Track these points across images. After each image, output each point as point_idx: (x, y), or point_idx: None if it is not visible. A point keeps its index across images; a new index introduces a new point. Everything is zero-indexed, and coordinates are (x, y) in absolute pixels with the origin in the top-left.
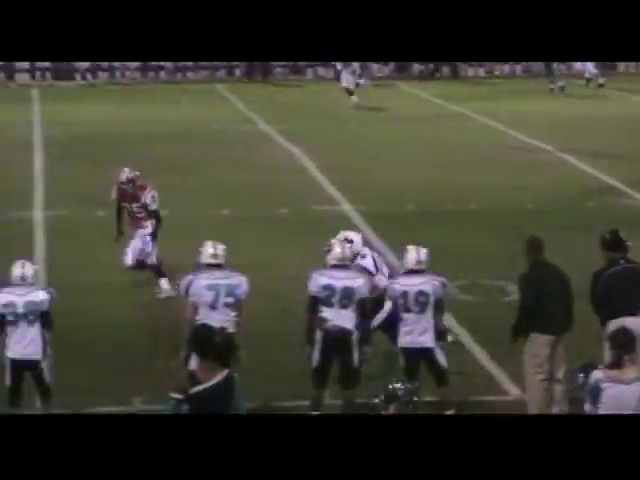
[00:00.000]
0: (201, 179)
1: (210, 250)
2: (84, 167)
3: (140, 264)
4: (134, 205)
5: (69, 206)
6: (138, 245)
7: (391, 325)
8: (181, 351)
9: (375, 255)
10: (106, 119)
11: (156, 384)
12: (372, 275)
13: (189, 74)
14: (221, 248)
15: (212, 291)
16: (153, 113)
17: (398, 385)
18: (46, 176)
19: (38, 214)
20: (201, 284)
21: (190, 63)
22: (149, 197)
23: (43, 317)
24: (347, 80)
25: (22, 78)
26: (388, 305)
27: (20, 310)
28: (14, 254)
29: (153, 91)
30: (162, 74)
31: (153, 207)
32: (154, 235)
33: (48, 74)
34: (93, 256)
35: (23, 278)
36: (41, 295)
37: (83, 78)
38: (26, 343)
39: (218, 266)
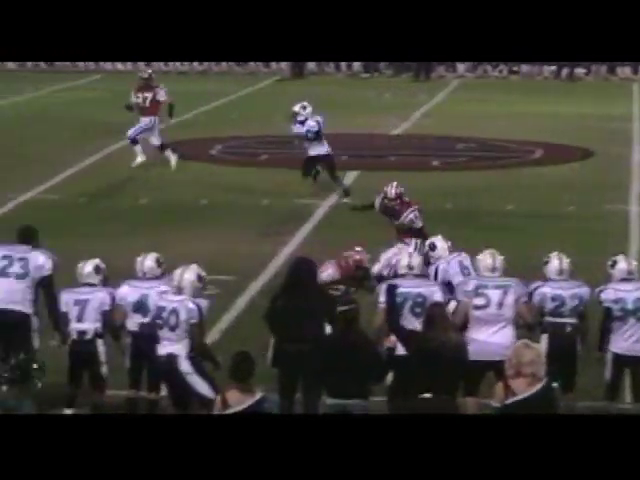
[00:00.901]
0: None
1: None
2: None
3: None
4: (395, 221)
5: None
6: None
7: None
8: None
9: (446, 264)
10: None
11: None
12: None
13: None
14: None
15: None
16: None
17: None
18: None
19: (634, 208)
20: None
21: None
22: (410, 216)
23: None
24: None
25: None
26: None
27: (629, 306)
28: (609, 248)
29: None
30: None
31: (417, 225)
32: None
33: None
34: None
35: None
36: None
37: None
38: (635, 339)
39: None
